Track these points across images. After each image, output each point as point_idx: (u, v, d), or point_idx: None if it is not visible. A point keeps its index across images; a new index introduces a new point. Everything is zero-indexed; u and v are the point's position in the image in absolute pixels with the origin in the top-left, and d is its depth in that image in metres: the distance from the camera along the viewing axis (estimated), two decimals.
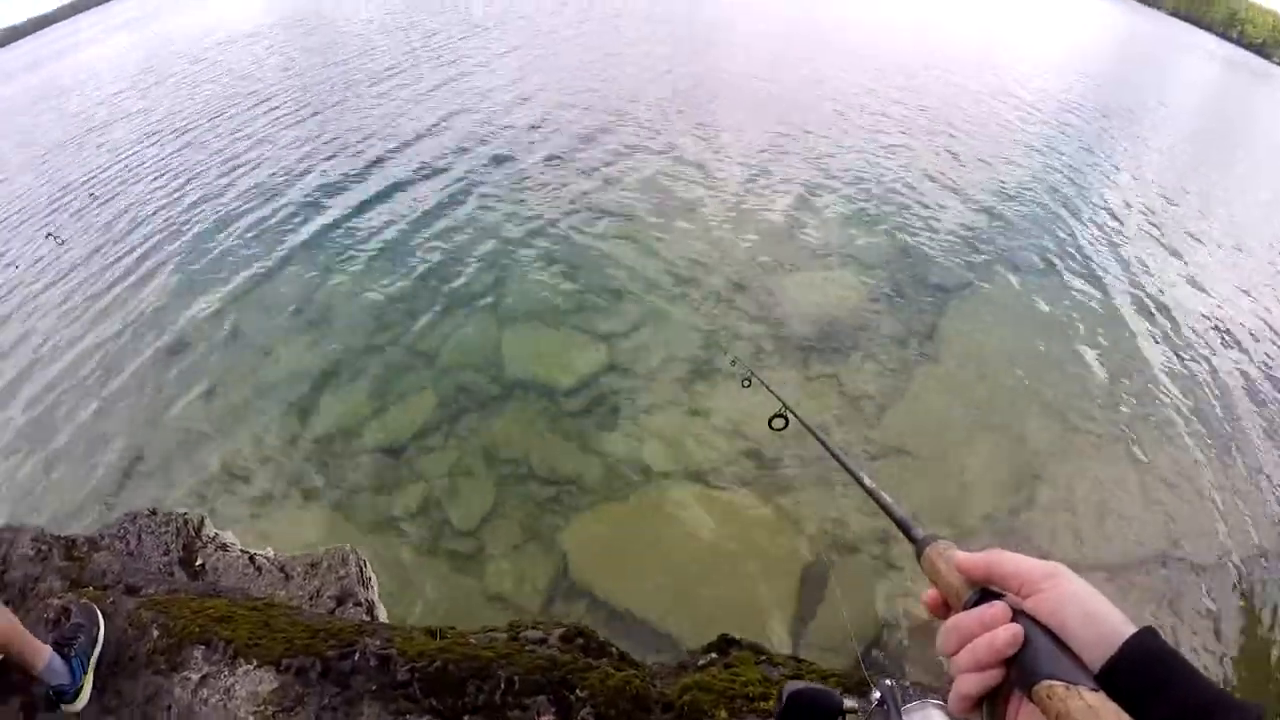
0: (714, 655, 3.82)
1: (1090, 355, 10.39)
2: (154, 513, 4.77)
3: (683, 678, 3.39)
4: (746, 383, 3.69)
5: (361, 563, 4.80)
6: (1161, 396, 9.80)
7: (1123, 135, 22.79)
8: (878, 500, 1.23)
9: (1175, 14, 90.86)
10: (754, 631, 4.49)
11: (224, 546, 4.72)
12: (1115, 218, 15.67)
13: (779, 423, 2.69)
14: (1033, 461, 8.42)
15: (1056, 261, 12.96)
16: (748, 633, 4.18)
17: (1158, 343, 11.02)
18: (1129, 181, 18.51)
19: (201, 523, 4.83)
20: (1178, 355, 10.79)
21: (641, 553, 6.98)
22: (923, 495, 7.66)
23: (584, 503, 7.47)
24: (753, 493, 7.59)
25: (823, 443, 1.87)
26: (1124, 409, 9.46)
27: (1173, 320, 11.77)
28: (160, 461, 8.49)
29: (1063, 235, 14.11)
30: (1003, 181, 16.40)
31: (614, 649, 3.66)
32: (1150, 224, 15.74)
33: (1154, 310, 11.96)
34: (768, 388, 3.10)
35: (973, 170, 16.77)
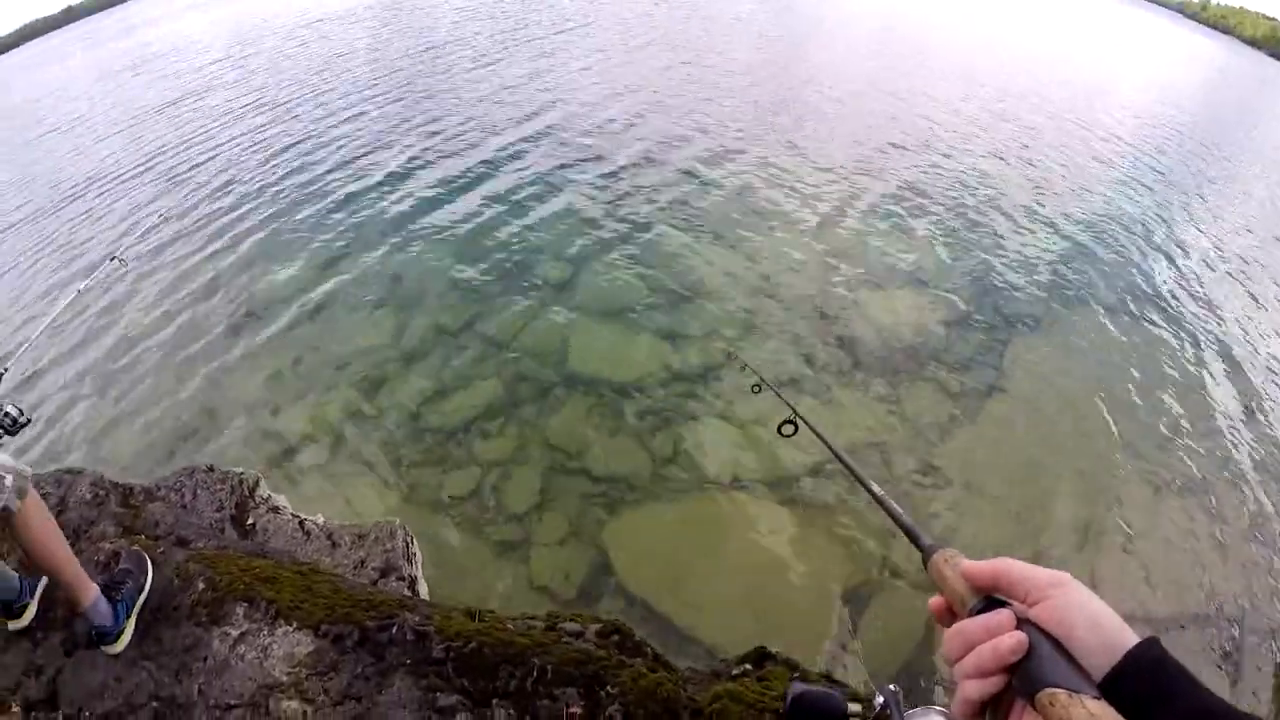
0: (748, 666, 3.78)
1: (1164, 401, 10.09)
2: (211, 469, 4.86)
3: (714, 685, 3.35)
4: (756, 389, 3.72)
5: (409, 538, 4.85)
6: (1237, 449, 9.49)
7: (1215, 176, 22.12)
8: (885, 508, 1.25)
9: (1254, 44, 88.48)
10: (791, 646, 4.42)
11: (276, 509, 4.79)
12: (1203, 262, 15.21)
13: (788, 429, 2.72)
14: (1094, 505, 8.21)
15: (1136, 302, 12.63)
16: (784, 647, 4.14)
17: (1238, 394, 10.66)
18: (1219, 225, 17.94)
19: (256, 484, 4.90)
20: (1258, 409, 10.44)
21: (687, 557, 6.96)
22: (974, 527, 7.52)
23: (633, 502, 7.47)
24: (802, 507, 7.52)
25: (831, 448, 1.90)
26: (1196, 458, 9.16)
27: (1255, 373, 11.39)
28: (225, 422, 8.69)
29: (1146, 275, 13.75)
30: (1089, 214, 16.04)
31: (649, 649, 3.64)
32: (1238, 271, 15.24)
33: (1235, 361, 11.57)
34: (776, 393, 3.14)
35: (1058, 200, 16.44)
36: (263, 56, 28.83)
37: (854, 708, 1.54)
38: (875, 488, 1.34)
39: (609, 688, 3.06)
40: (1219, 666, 6.73)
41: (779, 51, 29.16)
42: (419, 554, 4.87)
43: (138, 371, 9.76)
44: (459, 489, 7.53)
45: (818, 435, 2.22)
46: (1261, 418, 10.26)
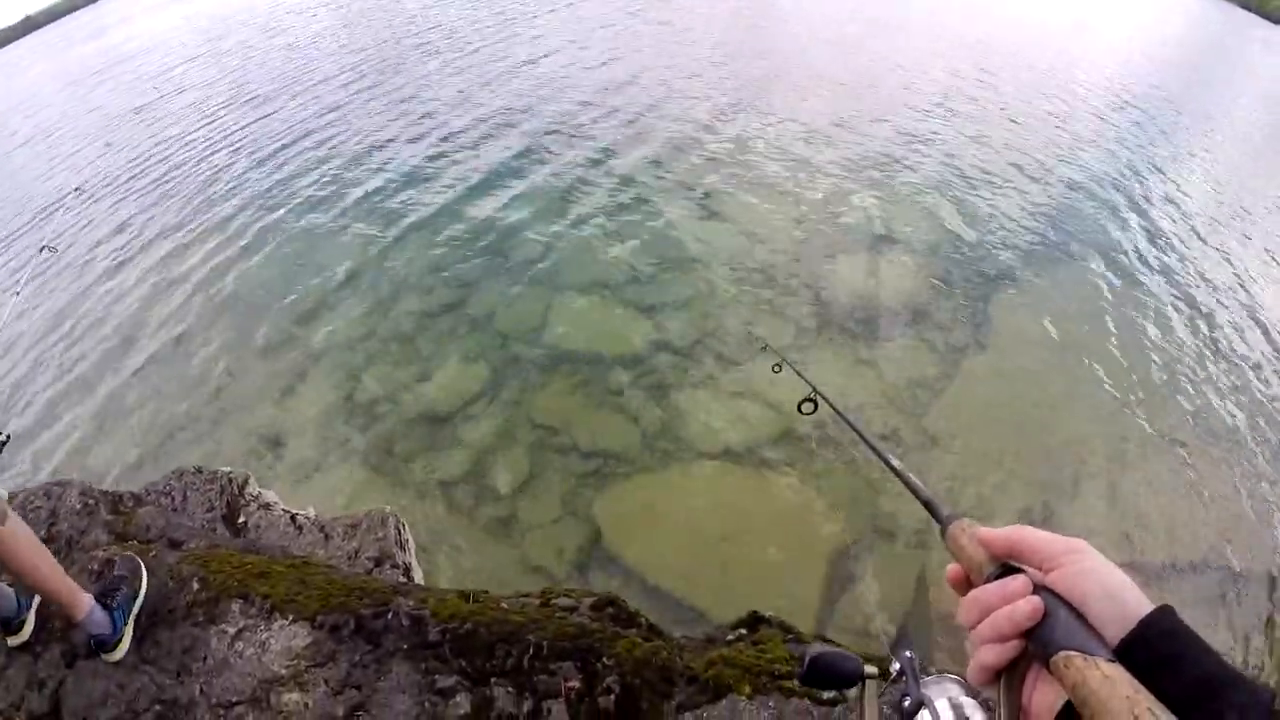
0: (743, 631, 3.84)
1: (1146, 354, 10.12)
2: (200, 470, 4.88)
3: (709, 651, 3.40)
4: (777, 368, 3.69)
5: (400, 525, 4.88)
6: (1217, 401, 9.54)
7: (1194, 130, 22.03)
8: (905, 481, 1.26)
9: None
10: (783, 609, 4.48)
11: (267, 505, 4.81)
12: (1182, 215, 15.18)
13: (808, 407, 2.70)
14: (1078, 458, 8.27)
15: (1117, 257, 12.63)
16: (777, 610, 4.20)
17: (1217, 346, 10.69)
18: (1199, 179, 17.91)
19: (246, 481, 4.92)
20: (1237, 360, 10.49)
21: (677, 527, 7.01)
22: (961, 486, 7.58)
23: (622, 475, 7.51)
24: (788, 473, 7.57)
25: (851, 425, 1.89)
26: (1176, 410, 9.23)
27: (1235, 324, 11.42)
28: (210, 421, 8.67)
29: (1125, 231, 13.74)
30: (1067, 172, 15.97)
31: (643, 620, 3.69)
32: (1218, 224, 15.23)
33: (1215, 313, 11.60)
34: (798, 373, 3.10)
35: (1036, 159, 16.34)
36: (234, 54, 28.45)
37: (870, 669, 1.57)
38: (895, 461, 1.35)
39: (605, 659, 3.11)
40: (1213, 611, 6.85)
41: (754, 20, 28.96)
42: (411, 540, 4.91)
43: (120, 376, 9.70)
44: (449, 473, 7.55)
45: (837, 412, 2.23)
46: (1242, 366, 10.34)
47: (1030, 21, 34.89)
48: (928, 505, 1.14)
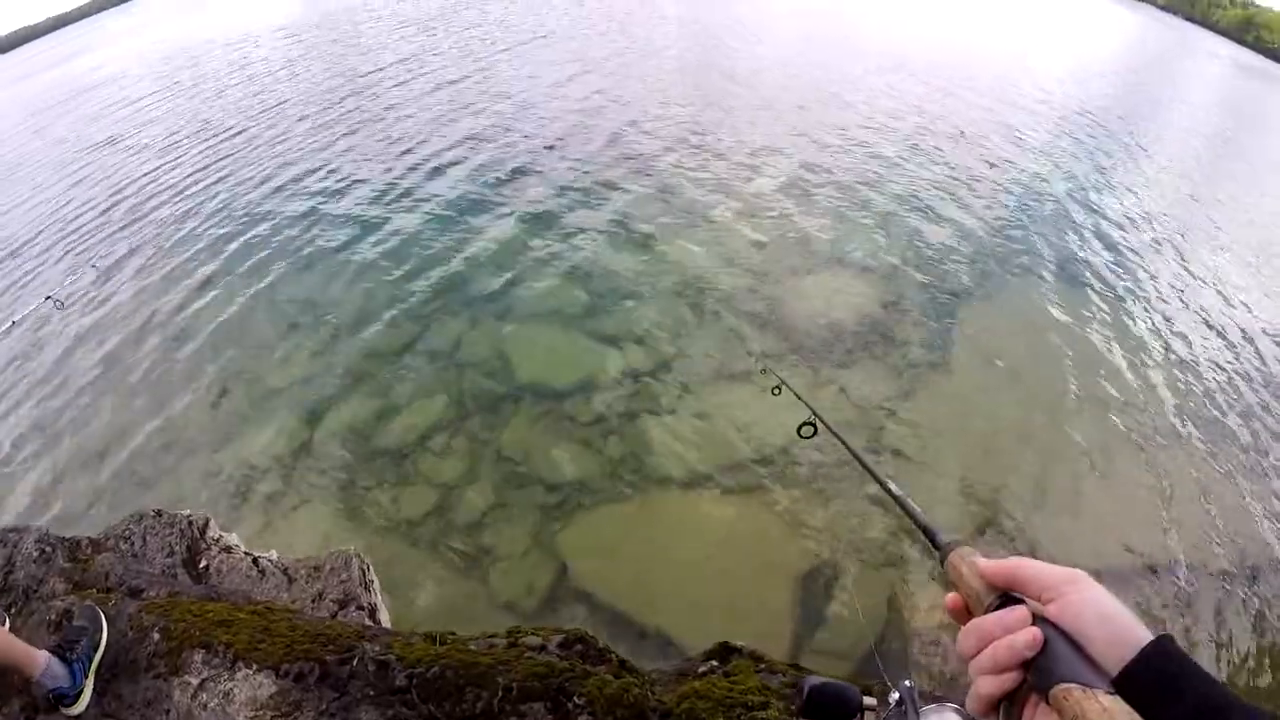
0: (714, 663, 3.82)
1: (1105, 362, 10.34)
2: (159, 514, 4.79)
3: (682, 685, 3.39)
4: (777, 390, 3.70)
5: (364, 566, 4.81)
6: (1176, 404, 9.78)
7: (1140, 142, 22.56)
8: (904, 507, 1.27)
9: (1168, 9, 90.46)
10: (756, 636, 4.47)
11: (228, 549, 4.73)
12: (1131, 224, 15.56)
13: (808, 430, 2.71)
14: (1046, 468, 8.40)
15: (1071, 268, 12.90)
16: (750, 638, 4.19)
17: (1174, 351, 10.97)
18: (1145, 188, 18.34)
19: (206, 525, 4.84)
20: (1193, 363, 10.76)
21: (645, 557, 6.99)
22: (932, 501, 7.63)
23: (588, 506, 7.49)
24: (757, 498, 7.60)
25: (850, 450, 1.91)
26: (1139, 416, 9.42)
27: (1190, 327, 11.73)
28: (170, 463, 8.52)
29: (1078, 242, 14.03)
30: (1018, 188, 16.29)
31: (613, 655, 3.66)
32: (1167, 230, 15.64)
33: (1170, 317, 11.91)
34: (798, 396, 3.12)
35: (987, 176, 16.67)
36: (202, 84, 28.17)
37: (869, 701, 1.57)
38: (894, 487, 1.36)
39: (576, 698, 3.08)
40: (1174, 612, 6.96)
41: (704, 44, 29.24)
42: (376, 580, 4.85)
43: (76, 418, 9.53)
44: (413, 511, 7.47)
45: (836, 436, 2.24)
46: (1196, 371, 10.57)
47: (979, 41, 35.56)
48: (926, 532, 1.15)
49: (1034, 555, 0.92)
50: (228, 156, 18.47)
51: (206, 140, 20.26)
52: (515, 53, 26.49)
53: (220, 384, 9.68)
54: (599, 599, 6.53)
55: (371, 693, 3.06)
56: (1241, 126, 29.44)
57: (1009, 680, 0.84)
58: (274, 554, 4.88)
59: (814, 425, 2.68)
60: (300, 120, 20.77)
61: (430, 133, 18.28)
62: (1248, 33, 79.47)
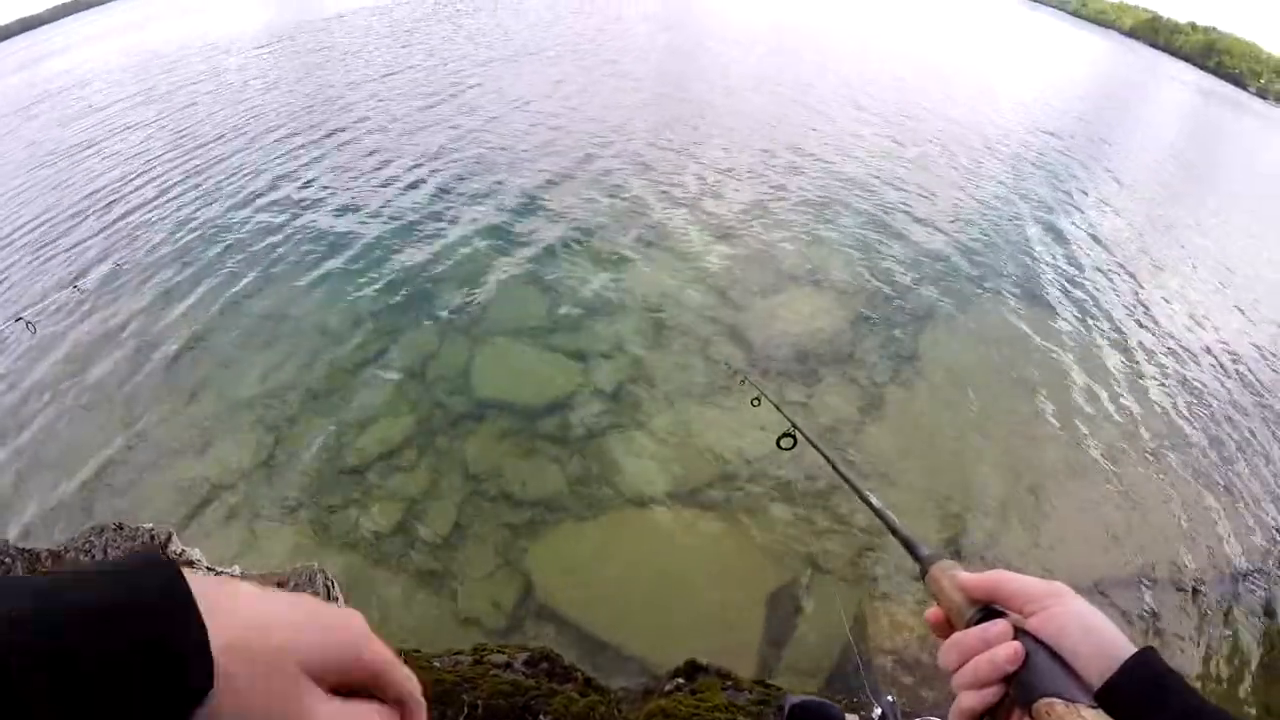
0: (680, 680, 3.81)
1: (1067, 378, 10.52)
2: (120, 527, 4.71)
3: (648, 703, 3.38)
4: (756, 402, 3.69)
5: (329, 582, 4.75)
6: (1138, 417, 9.96)
7: (1101, 164, 23.04)
8: (884, 520, 1.25)
9: (1132, 35, 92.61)
10: (723, 653, 4.47)
11: (190, 564, 4.66)
12: (1095, 243, 15.88)
13: (787, 442, 2.68)
14: (1011, 482, 8.50)
15: (1035, 286, 13.12)
16: (717, 654, 4.19)
17: (1135, 366, 11.21)
18: (1106, 210, 18.74)
19: (169, 538, 4.76)
20: (1154, 378, 11.00)
21: (612, 575, 6.97)
22: (900, 513, 7.65)
23: (555, 523, 7.46)
24: (726, 514, 7.61)
25: (830, 463, 1.87)
26: (1102, 430, 9.59)
27: (1153, 343, 12.00)
28: (132, 476, 8.39)
29: (1040, 262, 14.25)
30: (983, 207, 16.56)
31: (579, 673, 3.65)
32: (1129, 250, 15.97)
33: (1130, 334, 12.19)
34: (777, 408, 3.09)
35: (949, 198, 16.87)
36: (174, 94, 27.83)
37: (851, 718, 1.55)
38: (875, 500, 1.34)
39: (542, 716, 3.06)
40: (1141, 621, 7.05)
41: (672, 61, 29.40)
42: (341, 597, 4.79)
43: (36, 427, 9.38)
44: (378, 526, 7.40)
45: (816, 448, 2.22)
46: (1159, 385, 10.75)
47: (947, 63, 36.06)
48: (907, 545, 1.13)
49: (1006, 568, 0.91)
50: (196, 168, 18.19)
51: (176, 151, 20.00)
52: (487, 70, 26.38)
53: (183, 397, 9.55)
54: (565, 617, 6.49)
55: None
56: (1203, 150, 30.05)
57: (991, 695, 0.83)
58: (237, 569, 4.81)
59: (794, 437, 2.66)
60: (269, 132, 20.54)
61: (399, 147, 18.17)
62: (1209, 58, 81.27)
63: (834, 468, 1.79)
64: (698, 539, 7.34)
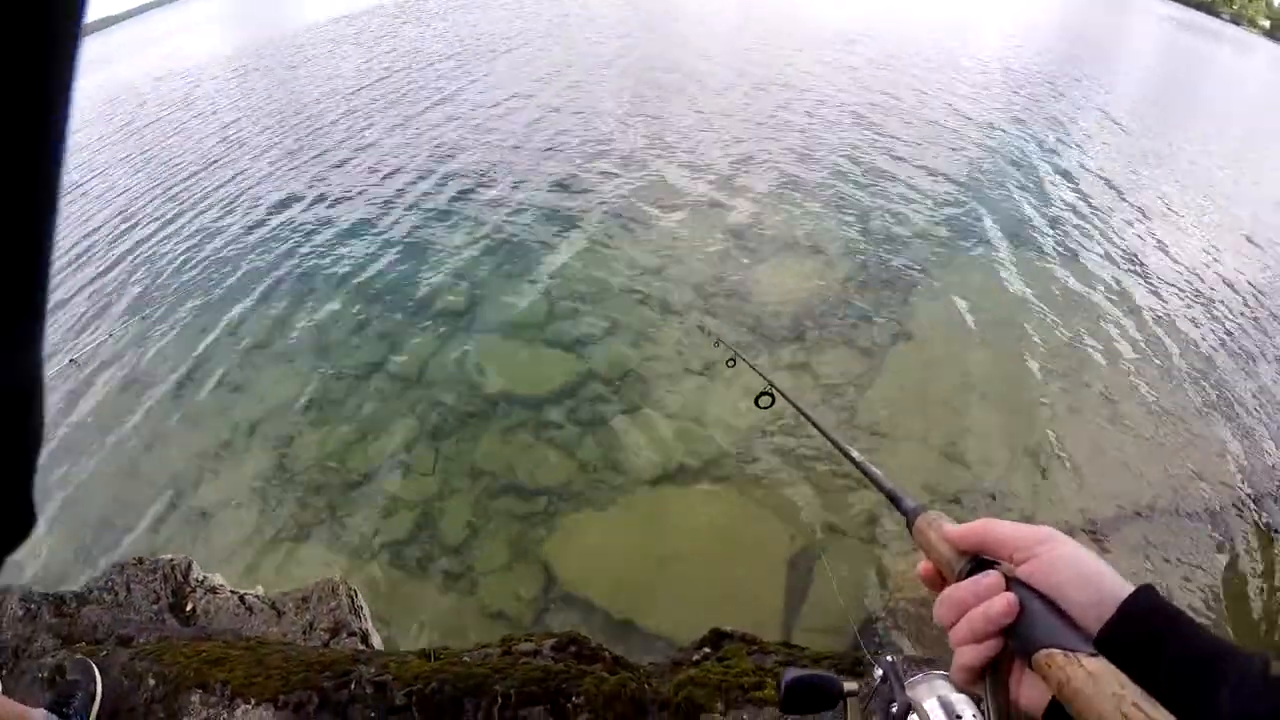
0: (707, 650, 3.86)
1: (1063, 322, 10.52)
2: (140, 561, 4.76)
3: (677, 674, 3.43)
4: (731, 363, 3.67)
5: (352, 593, 4.81)
6: (1137, 357, 9.97)
7: (1079, 102, 22.99)
8: (866, 473, 1.22)
9: None
10: (747, 621, 4.51)
11: (213, 589, 4.71)
12: (1081, 182, 15.86)
13: (765, 400, 2.67)
14: (1016, 430, 8.52)
15: (1022, 234, 13.09)
16: (741, 623, 4.23)
17: (1130, 306, 11.20)
18: (1092, 146, 18.72)
19: (189, 567, 4.82)
20: (1151, 317, 10.98)
21: (630, 555, 7.01)
22: (903, 470, 7.71)
23: (569, 510, 7.48)
24: (734, 485, 7.64)
25: (809, 419, 1.86)
26: (1103, 372, 9.61)
27: (1143, 282, 11.98)
28: (145, 509, 8.37)
29: (1027, 208, 14.22)
30: (968, 158, 16.49)
31: (607, 653, 3.69)
32: (1117, 186, 15.93)
33: (1124, 274, 12.15)
34: (752, 366, 3.09)
35: (937, 150, 16.81)
36: (150, 127, 27.71)
37: (850, 686, 1.53)
38: (855, 454, 1.32)
39: (574, 698, 3.11)
40: (1161, 559, 7.08)
41: (643, 35, 29.27)
42: (365, 606, 4.85)
43: (44, 471, 9.36)
44: (394, 532, 7.43)
45: (792, 404, 2.20)
46: (1152, 325, 10.78)
47: (920, 10, 35.85)
48: (891, 497, 1.10)
49: (1014, 513, 0.92)
50: (182, 188, 18.18)
51: (161, 172, 19.96)
52: (463, 70, 26.24)
53: (188, 421, 9.51)
54: (588, 601, 6.54)
55: (372, 714, 3.08)
56: (1182, 81, 29.97)
57: (989, 649, 0.82)
58: (260, 589, 4.87)
59: (771, 395, 2.66)
60: (257, 151, 20.52)
61: (381, 156, 18.12)
62: None
63: (813, 424, 1.79)
64: (710, 512, 7.38)
